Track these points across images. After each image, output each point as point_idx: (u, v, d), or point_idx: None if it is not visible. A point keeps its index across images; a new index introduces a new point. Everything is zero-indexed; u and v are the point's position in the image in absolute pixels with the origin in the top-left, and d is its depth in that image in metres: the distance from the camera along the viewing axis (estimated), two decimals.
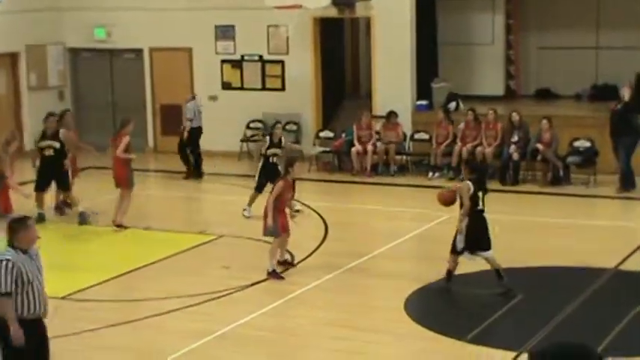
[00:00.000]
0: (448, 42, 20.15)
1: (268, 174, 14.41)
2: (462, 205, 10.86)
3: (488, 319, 10.09)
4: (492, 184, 16.76)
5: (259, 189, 14.61)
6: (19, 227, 7.32)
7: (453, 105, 18.96)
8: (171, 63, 20.76)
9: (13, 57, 20.58)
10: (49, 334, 7.63)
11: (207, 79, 20.43)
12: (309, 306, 10.92)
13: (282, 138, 15.33)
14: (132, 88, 21.25)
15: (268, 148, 14.85)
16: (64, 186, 15.02)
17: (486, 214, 10.99)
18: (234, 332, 9.91)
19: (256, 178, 14.69)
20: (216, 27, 20.22)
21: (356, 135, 18.21)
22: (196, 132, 18.38)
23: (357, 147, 18.05)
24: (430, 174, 17.70)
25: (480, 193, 10.90)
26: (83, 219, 14.70)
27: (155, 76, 21.04)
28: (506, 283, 10.98)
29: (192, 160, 18.35)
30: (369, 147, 18.02)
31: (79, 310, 10.75)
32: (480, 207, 10.88)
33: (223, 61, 20.32)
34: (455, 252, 10.95)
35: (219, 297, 11.02)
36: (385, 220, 15.05)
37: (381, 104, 18.93)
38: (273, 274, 11.66)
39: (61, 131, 14.97)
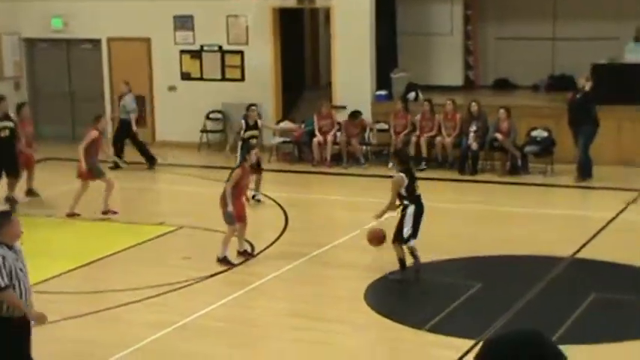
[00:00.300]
0: (407, 32, 20.24)
1: None
2: (400, 197, 10.97)
3: (448, 307, 10.17)
4: (451, 174, 16.96)
5: None
6: (3, 222, 7.20)
7: (412, 95, 19.04)
8: (129, 53, 20.61)
9: None
10: None
11: (166, 70, 20.32)
12: (269, 296, 10.94)
13: (258, 120, 15.44)
14: (89, 78, 21.07)
15: (245, 131, 14.98)
16: (15, 172, 14.92)
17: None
18: (194, 323, 9.91)
19: (237, 162, 14.54)
20: (175, 17, 20.11)
21: (317, 125, 18.24)
22: (136, 123, 18.38)
23: (319, 137, 18.08)
24: (390, 164, 17.76)
25: (414, 181, 11.09)
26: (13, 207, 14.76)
27: (113, 66, 20.89)
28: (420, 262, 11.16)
29: (138, 150, 18.25)
30: (329, 137, 18.07)
31: (41, 302, 10.63)
32: (418, 193, 11.04)
33: (182, 52, 20.23)
34: (400, 241, 11.03)
35: (179, 288, 11.00)
36: (345, 210, 15.09)
37: (340, 94, 18.97)
38: (223, 261, 11.70)
39: (12, 114, 15.04)
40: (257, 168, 14.83)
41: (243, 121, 15.33)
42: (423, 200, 11.16)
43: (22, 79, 21.40)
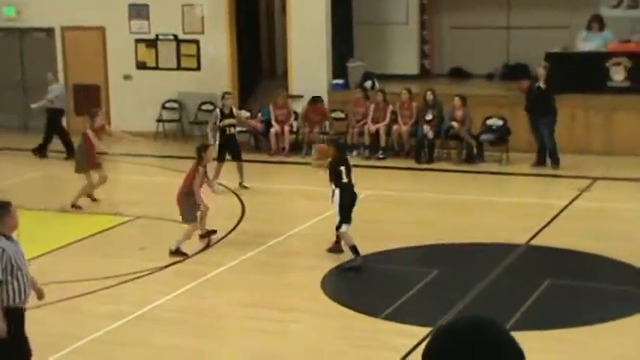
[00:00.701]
0: (363, 21, 20.24)
1: (228, 146, 14.92)
2: (330, 180, 11.32)
3: (404, 295, 10.22)
4: (408, 163, 17.02)
5: (221, 159, 14.81)
6: (2, 212, 7.19)
7: (368, 84, 19.06)
8: (83, 42, 20.38)
9: None
10: None
11: (121, 59, 20.13)
12: (225, 287, 10.91)
13: (233, 108, 15.66)
14: (43, 68, 20.77)
15: (221, 120, 15.13)
16: None
17: (356, 189, 11.41)
18: (150, 314, 9.86)
19: (216, 151, 14.20)
20: (130, 6, 19.92)
21: (273, 115, 18.19)
22: (58, 114, 18.07)
23: (276, 127, 18.03)
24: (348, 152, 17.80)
25: (343, 168, 11.30)
26: None
27: (67, 55, 20.65)
28: (341, 246, 11.44)
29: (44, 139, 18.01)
30: (286, 127, 18.05)
31: None
32: (345, 180, 11.25)
33: (137, 41, 20.05)
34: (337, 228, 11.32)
35: (134, 279, 10.93)
36: (302, 199, 15.09)
37: (297, 84, 18.93)
38: (176, 253, 11.66)
39: None
40: (238, 158, 15.18)
41: (218, 110, 15.42)
42: (357, 190, 11.38)
43: None
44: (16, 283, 7.20)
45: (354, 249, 11.19)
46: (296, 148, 18.13)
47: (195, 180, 11.85)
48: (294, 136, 18.23)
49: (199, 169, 11.93)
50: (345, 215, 11.16)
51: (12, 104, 20.94)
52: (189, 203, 11.79)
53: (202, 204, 11.86)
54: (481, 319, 2.61)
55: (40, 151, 17.98)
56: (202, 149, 12.26)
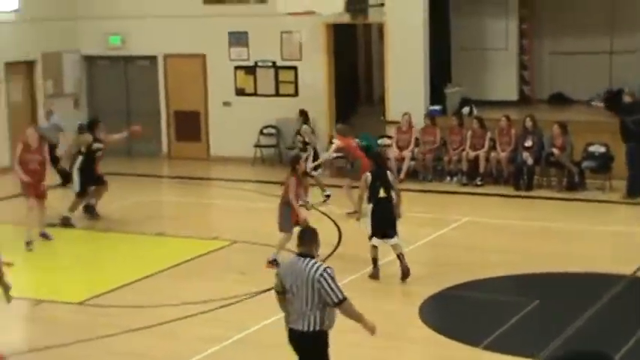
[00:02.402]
0: (461, 47, 20.14)
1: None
2: (369, 198, 11.68)
3: (504, 325, 10.04)
4: (506, 190, 16.79)
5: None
6: (316, 236, 7.55)
7: (466, 110, 18.93)
8: (185, 70, 20.81)
9: (29, 65, 20.63)
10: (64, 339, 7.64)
11: (221, 85, 20.47)
12: None
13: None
14: (146, 94, 21.30)
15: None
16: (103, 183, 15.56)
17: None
18: (250, 338, 9.91)
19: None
20: (230, 33, 20.27)
21: (395, 139, 18.11)
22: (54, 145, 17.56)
23: (395, 152, 17.94)
24: (448, 178, 17.68)
25: (379, 183, 11.59)
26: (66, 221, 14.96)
27: (169, 82, 21.10)
28: (405, 264, 11.52)
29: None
30: (406, 152, 17.94)
31: (96, 315, 10.77)
32: (382, 195, 11.55)
33: (237, 68, 20.36)
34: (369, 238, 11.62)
35: (232, 303, 11.02)
36: (400, 225, 14.97)
37: (394, 110, 18.90)
38: (272, 263, 12.04)
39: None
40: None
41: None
42: (387, 205, 11.62)
43: (81, 95, 21.70)
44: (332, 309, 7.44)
45: (374, 261, 11.68)
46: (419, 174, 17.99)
47: (287, 191, 12.27)
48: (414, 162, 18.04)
49: (292, 180, 12.27)
50: (375, 230, 11.49)
51: (118, 131, 21.38)
52: (285, 213, 12.15)
53: (300, 216, 12.12)
54: (588, 351, 2.54)
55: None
56: (296, 161, 12.67)
